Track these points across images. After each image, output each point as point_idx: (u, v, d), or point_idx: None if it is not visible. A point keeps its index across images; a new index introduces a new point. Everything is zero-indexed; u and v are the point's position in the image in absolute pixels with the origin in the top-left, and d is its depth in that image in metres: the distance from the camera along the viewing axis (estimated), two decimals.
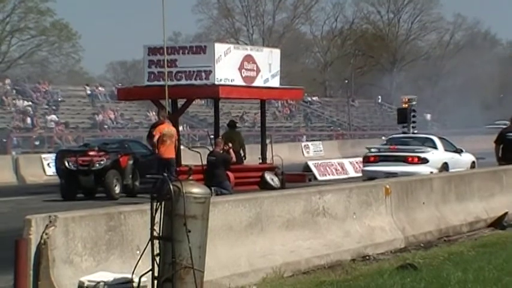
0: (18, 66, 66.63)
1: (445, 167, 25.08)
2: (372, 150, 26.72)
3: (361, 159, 33.10)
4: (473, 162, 27.10)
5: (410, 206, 14.08)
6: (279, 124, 60.05)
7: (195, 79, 24.88)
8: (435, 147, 26.04)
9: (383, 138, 50.87)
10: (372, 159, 25.99)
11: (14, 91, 46.33)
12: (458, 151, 26.75)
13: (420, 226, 14.11)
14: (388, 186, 13.56)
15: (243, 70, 25.70)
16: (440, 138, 28.34)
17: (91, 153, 23.19)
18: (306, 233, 11.64)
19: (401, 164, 24.84)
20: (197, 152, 23.88)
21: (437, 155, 25.54)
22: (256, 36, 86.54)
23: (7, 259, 8.50)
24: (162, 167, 21.61)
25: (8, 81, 47.02)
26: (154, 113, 42.69)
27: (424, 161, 25.02)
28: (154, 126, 24.59)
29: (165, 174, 8.69)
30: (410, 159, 25.12)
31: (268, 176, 25.71)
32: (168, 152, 21.96)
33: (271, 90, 27.37)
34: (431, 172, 23.44)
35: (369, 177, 22.93)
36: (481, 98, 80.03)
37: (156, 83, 24.78)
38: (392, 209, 13.55)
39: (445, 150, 26.24)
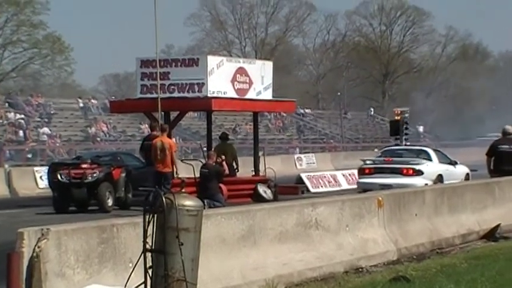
0: (10, 79, 66.53)
1: (439, 178, 25.13)
2: (367, 162, 26.77)
3: (354, 171, 33.17)
4: (468, 174, 27.17)
5: (403, 218, 14.09)
6: (272, 136, 60.09)
7: (188, 91, 24.90)
8: (430, 159, 26.10)
9: (376, 150, 51.00)
10: (367, 171, 26.04)
11: (7, 104, 46.27)
12: (453, 163, 26.82)
13: (413, 238, 14.11)
14: (380, 199, 13.57)
15: (235, 82, 25.74)
16: (434, 150, 28.40)
17: (84, 165, 23.15)
18: (298, 246, 11.63)
19: (396, 176, 24.89)
20: (190, 164, 23.90)
21: (432, 167, 25.60)
22: (248, 49, 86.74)
23: None
24: (157, 180, 21.58)
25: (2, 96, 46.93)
26: (147, 126, 42.68)
27: (419, 173, 25.07)
28: (146, 138, 24.60)
29: (157, 187, 8.69)
30: (405, 171, 25.18)
31: (261, 189, 25.71)
32: (162, 165, 21.90)
33: (263, 103, 27.40)
34: (426, 184, 23.47)
35: (364, 189, 22.95)
36: (473, 110, 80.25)
37: (148, 95, 24.79)
38: (385, 221, 13.55)
39: (440, 162, 26.30)
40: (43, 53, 65.66)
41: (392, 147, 31.35)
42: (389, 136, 48.59)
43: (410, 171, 25.11)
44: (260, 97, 26.72)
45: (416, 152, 27.35)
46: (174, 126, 27.64)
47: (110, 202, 22.81)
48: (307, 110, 71.07)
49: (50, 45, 65.77)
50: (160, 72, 23.79)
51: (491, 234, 16.01)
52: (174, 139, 27.06)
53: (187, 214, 8.14)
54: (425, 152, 27.21)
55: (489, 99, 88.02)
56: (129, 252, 9.05)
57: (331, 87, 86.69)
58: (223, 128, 51.05)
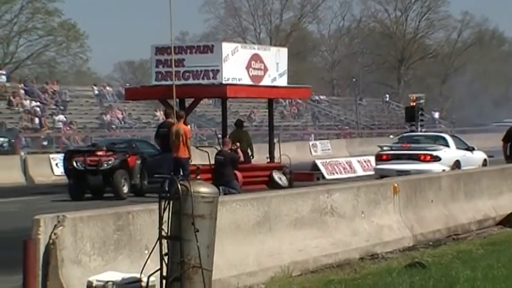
0: (26, 66, 66.71)
1: (457, 164, 25.07)
2: (384, 148, 26.73)
3: (369, 157, 33.15)
4: (485, 160, 27.10)
5: (419, 205, 14.06)
6: (287, 123, 60.00)
7: (203, 78, 24.90)
8: (447, 145, 26.03)
9: (391, 136, 50.91)
10: (384, 157, 26.00)
11: (22, 91, 46.38)
12: (470, 149, 26.75)
13: (429, 224, 14.09)
14: (396, 185, 13.55)
15: (250, 69, 25.70)
16: (452, 136, 28.34)
17: (99, 153, 23.22)
18: (314, 232, 11.63)
19: (413, 162, 24.84)
20: (205, 151, 23.91)
21: (449, 153, 25.54)
22: (263, 36, 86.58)
23: (16, 259, 8.52)
24: (175, 166, 21.64)
25: (20, 85, 46.96)
26: (162, 113, 42.70)
27: (437, 158, 25.02)
28: (161, 125, 24.62)
29: (172, 174, 8.71)
30: (422, 157, 25.14)
31: (276, 175, 25.71)
32: (177, 151, 21.93)
33: (278, 89, 27.36)
34: (444, 170, 23.41)
35: (381, 175, 22.93)
36: (490, 96, 79.87)
37: (163, 82, 24.80)
38: (401, 207, 13.53)
39: (457, 148, 26.24)
40: (58, 40, 65.81)
41: (409, 133, 31.30)
42: (404, 122, 48.51)
43: (428, 157, 25.06)
44: (275, 84, 26.69)
45: (433, 138, 27.32)
46: (189, 113, 27.65)
47: (125, 189, 22.89)
48: (322, 97, 70.90)
49: (65, 33, 65.90)
50: (175, 59, 23.78)
51: (508, 220, 15.97)
52: (189, 126, 27.04)
53: (202, 201, 8.15)
54: (443, 138, 27.17)
55: (505, 86, 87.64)
56: (144, 239, 9.07)
57: (346, 74, 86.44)
58: (238, 114, 51.02)
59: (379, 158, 26.37)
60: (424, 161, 25.02)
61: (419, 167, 24.00)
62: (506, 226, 15.74)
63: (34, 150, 38.25)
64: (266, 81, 26.27)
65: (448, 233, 14.46)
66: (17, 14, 63.33)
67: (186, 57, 24.89)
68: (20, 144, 38.27)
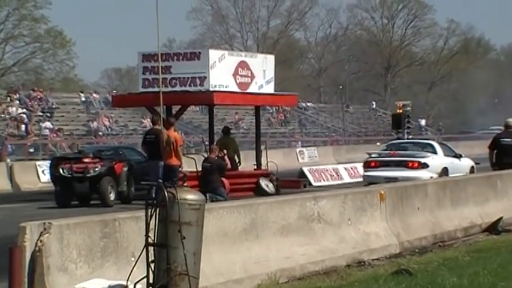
0: (12, 73, 66.53)
1: (444, 171, 25.15)
2: (373, 155, 26.80)
3: (356, 165, 33.21)
4: (473, 167, 27.21)
5: (405, 212, 14.09)
6: (274, 130, 60.05)
7: (190, 85, 24.89)
8: (435, 152, 26.12)
9: (378, 144, 51.02)
10: (372, 164, 26.07)
11: (8, 98, 46.23)
12: (458, 156, 26.87)
13: (415, 231, 14.11)
14: (382, 192, 13.57)
15: (237, 76, 25.72)
16: (440, 143, 28.45)
17: (86, 160, 23.17)
18: (301, 239, 11.63)
19: (401, 169, 24.91)
20: (192, 158, 23.90)
21: (437, 160, 25.62)
22: (250, 43, 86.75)
23: (1, 267, 8.48)
24: (165, 174, 21.58)
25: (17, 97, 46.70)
26: (149, 120, 42.66)
27: (424, 166, 25.09)
28: (148, 133, 24.58)
29: (160, 181, 8.70)
30: (410, 164, 25.21)
31: (263, 182, 25.72)
32: (169, 159, 21.87)
33: (265, 97, 27.39)
34: (431, 177, 23.48)
35: (370, 182, 22.98)
36: (475, 103, 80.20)
37: (150, 89, 24.78)
38: (387, 214, 13.55)
39: (445, 155, 26.34)
40: (45, 47, 65.69)
41: (398, 141, 31.37)
42: (391, 129, 48.62)
43: (416, 164, 25.13)
44: (262, 91, 26.71)
45: (421, 145, 27.43)
46: (176, 120, 27.62)
47: (112, 196, 22.83)
48: (309, 104, 70.99)
49: (52, 40, 65.80)
50: (162, 66, 23.75)
51: (494, 227, 16.01)
52: (180, 133, 27.02)
53: (189, 208, 8.15)
54: (431, 145, 27.29)
55: (491, 93, 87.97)
56: (131, 246, 9.05)
57: (333, 81, 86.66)
58: (225, 122, 51.02)
59: (367, 165, 26.43)
60: (412, 168, 25.09)
61: (407, 174, 24.07)
62: (492, 233, 15.78)
63: (20, 157, 38.11)
64: (253, 89, 26.29)
65: (435, 240, 14.49)
66: (3, 20, 63.24)
67: (173, 64, 24.89)
68: (6, 151, 38.13)
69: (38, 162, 32.78)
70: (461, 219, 15.55)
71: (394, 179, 22.12)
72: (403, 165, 25.20)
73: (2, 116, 43.83)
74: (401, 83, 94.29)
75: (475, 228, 15.85)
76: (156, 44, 24.27)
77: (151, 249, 8.18)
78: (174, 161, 21.86)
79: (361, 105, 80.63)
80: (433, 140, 32.43)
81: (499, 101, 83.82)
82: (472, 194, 16.24)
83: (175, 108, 26.65)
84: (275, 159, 29.15)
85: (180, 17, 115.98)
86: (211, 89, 24.77)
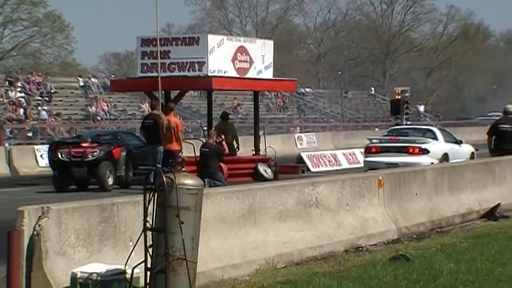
0: (10, 57, 66.44)
1: (445, 157, 25.18)
2: (374, 141, 26.80)
3: (354, 150, 33.24)
4: (473, 153, 27.25)
5: (403, 197, 14.10)
6: (272, 116, 60.01)
7: (188, 70, 24.86)
8: (435, 138, 26.15)
9: (376, 129, 51.06)
10: (373, 150, 26.07)
11: (7, 82, 46.16)
12: (458, 142, 26.91)
13: (413, 217, 14.13)
14: (381, 178, 13.58)
15: (236, 61, 25.68)
16: (440, 129, 28.44)
17: (84, 144, 23.16)
18: (299, 225, 11.65)
19: (402, 155, 24.92)
20: (190, 143, 23.89)
21: (437, 146, 25.65)
22: (249, 28, 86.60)
23: (0, 250, 8.49)
24: (165, 158, 21.60)
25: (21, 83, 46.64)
26: (147, 105, 42.64)
27: (425, 151, 25.10)
28: (147, 117, 24.58)
29: (158, 166, 8.69)
30: (411, 150, 25.22)
31: (262, 168, 25.73)
32: (169, 144, 21.88)
33: (264, 82, 27.36)
34: (432, 163, 23.49)
35: (370, 167, 23.00)
36: (474, 89, 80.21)
37: (149, 74, 24.75)
38: (385, 200, 13.57)
39: (446, 141, 26.38)
40: (43, 31, 65.61)
41: (398, 126, 31.36)
42: (389, 115, 48.64)
43: (417, 150, 25.14)
44: (261, 76, 26.68)
45: (422, 131, 27.45)
46: (175, 105, 27.61)
47: (110, 181, 22.83)
48: (307, 89, 70.94)
49: (50, 24, 65.72)
50: (160, 51, 23.74)
51: (491, 214, 16.03)
52: (179, 118, 27.01)
53: (187, 193, 8.14)
54: (431, 131, 27.32)
55: (490, 79, 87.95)
56: (129, 230, 9.06)
57: (331, 67, 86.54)
58: (223, 107, 50.98)
59: (368, 151, 26.43)
60: (413, 153, 25.10)
61: (408, 160, 24.07)
62: (490, 219, 15.80)
63: (19, 142, 38.10)
64: (252, 74, 26.26)
65: (432, 226, 14.51)
66: (2, 4, 63.10)
67: (172, 49, 24.84)
68: (4, 135, 38.10)
69: (36, 147, 32.77)
70: (459, 205, 15.57)
71: (394, 165, 22.13)
72: (404, 151, 25.21)
73: (0, 100, 43.79)
74: (400, 69, 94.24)
75: (472, 215, 15.87)
76: (155, 29, 24.30)
77: (149, 233, 8.18)
78: (174, 146, 21.88)
79: (360, 91, 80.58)
80: (433, 126, 32.43)
81: (498, 87, 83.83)
82: (470, 180, 16.25)
83: (173, 93, 26.63)
84: (273, 145, 29.16)
85: (178, 2, 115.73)
86: (209, 74, 24.74)
